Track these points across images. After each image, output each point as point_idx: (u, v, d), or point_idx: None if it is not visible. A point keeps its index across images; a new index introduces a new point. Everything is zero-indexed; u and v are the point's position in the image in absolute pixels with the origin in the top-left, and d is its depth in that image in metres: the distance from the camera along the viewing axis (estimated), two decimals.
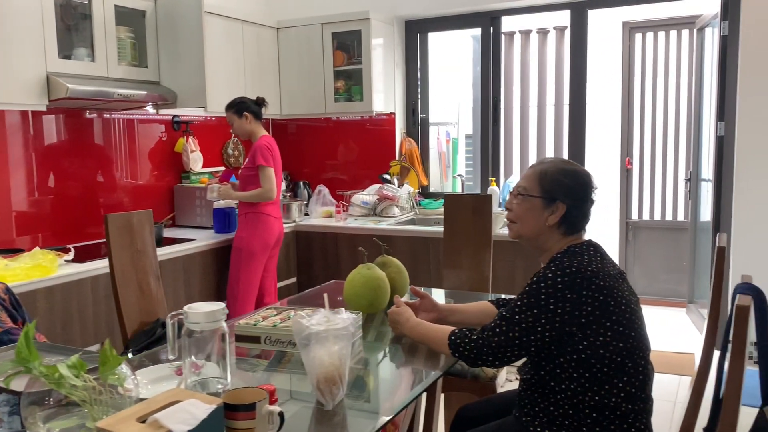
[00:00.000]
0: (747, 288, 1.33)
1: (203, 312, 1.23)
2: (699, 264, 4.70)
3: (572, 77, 4.29)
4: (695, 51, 4.88)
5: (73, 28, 3.25)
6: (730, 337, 1.22)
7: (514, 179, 4.48)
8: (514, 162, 5.31)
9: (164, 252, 3.36)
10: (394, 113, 4.64)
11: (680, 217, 5.19)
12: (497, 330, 1.59)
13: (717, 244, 1.71)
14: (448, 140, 5.71)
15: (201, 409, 1.04)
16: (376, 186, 4.48)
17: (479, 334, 1.62)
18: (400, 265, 2.20)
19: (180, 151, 4.18)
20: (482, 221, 2.82)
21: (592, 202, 1.69)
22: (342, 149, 4.85)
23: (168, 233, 3.81)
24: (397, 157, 4.67)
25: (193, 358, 1.27)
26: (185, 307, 1.25)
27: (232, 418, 1.13)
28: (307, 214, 4.56)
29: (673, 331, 4.53)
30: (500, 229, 3.72)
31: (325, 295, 1.48)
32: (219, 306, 1.28)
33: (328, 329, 1.35)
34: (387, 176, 4.56)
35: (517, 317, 1.57)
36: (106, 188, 3.74)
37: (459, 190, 4.81)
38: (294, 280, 4.34)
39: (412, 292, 1.94)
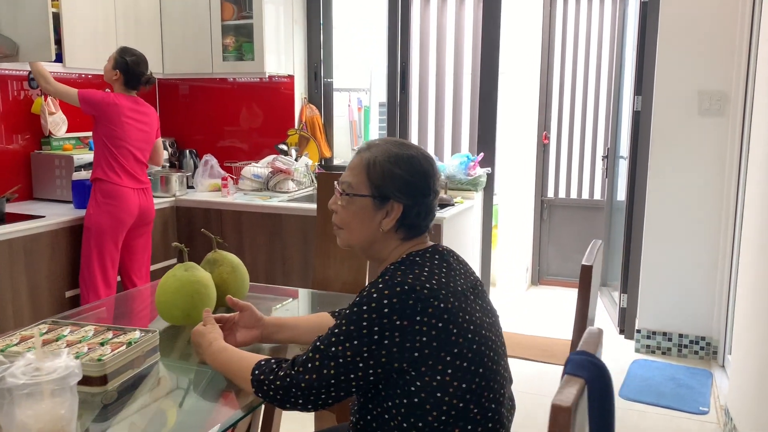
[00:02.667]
0: (581, 365, 0.91)
1: None
2: (613, 245, 4.49)
3: (485, 44, 3.93)
4: (617, 21, 4.60)
5: None
6: None
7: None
8: (429, 133, 4.94)
9: (1, 232, 2.86)
10: (293, 76, 4.18)
11: (597, 196, 4.97)
12: (309, 365, 1.22)
13: (583, 262, 1.37)
14: (360, 108, 5.30)
15: None
16: (271, 157, 4.05)
17: (288, 369, 1.24)
18: (236, 262, 1.80)
19: (38, 113, 3.62)
20: None
21: (435, 194, 1.33)
22: (240, 115, 4.37)
23: (15, 208, 3.28)
24: (296, 126, 4.23)
25: None
26: None
27: None
28: (192, 187, 4.08)
29: None
30: None
31: (36, 330, 1.06)
32: None
33: (36, 381, 0.94)
34: (284, 146, 4.12)
35: (333, 349, 1.20)
36: None
37: None
38: (174, 261, 3.88)
39: (228, 303, 1.54)
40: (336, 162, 4.47)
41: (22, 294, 2.96)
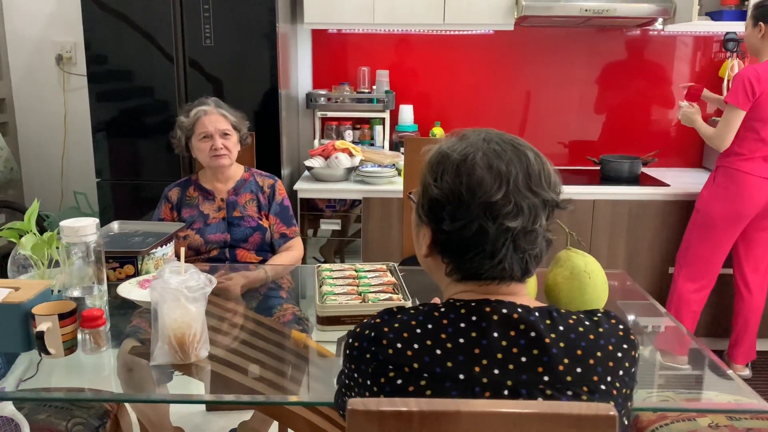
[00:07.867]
0: None
1: (71, 226, 1.34)
2: None
3: None
4: None
5: None
6: None
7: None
8: None
9: (608, 191, 2.98)
10: None
11: None
12: None
13: None
14: None
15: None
16: None
17: None
18: (580, 268, 1.44)
19: (723, 77, 3.38)
20: None
21: (495, 222, 0.83)
22: None
23: (653, 171, 3.29)
24: None
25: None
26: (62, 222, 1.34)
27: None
28: None
29: None
30: None
31: (182, 249, 1.26)
32: (88, 221, 1.35)
33: (180, 288, 1.24)
34: None
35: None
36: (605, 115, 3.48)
37: None
38: None
39: None
40: None
41: (619, 257, 3.02)
